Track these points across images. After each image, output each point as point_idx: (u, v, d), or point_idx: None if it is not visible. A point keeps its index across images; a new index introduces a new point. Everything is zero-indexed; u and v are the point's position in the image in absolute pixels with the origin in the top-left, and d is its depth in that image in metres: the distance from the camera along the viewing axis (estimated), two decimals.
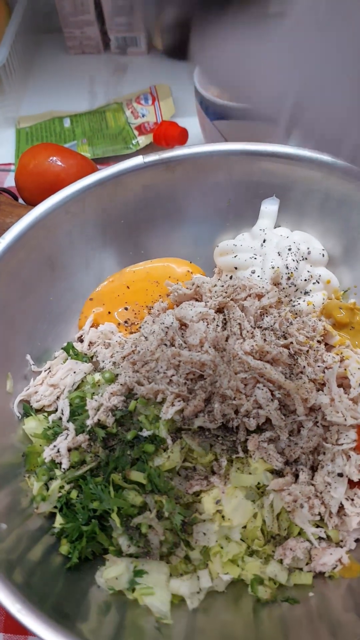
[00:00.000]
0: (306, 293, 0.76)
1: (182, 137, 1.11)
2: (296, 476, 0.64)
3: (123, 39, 1.36)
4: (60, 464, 0.64)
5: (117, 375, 0.70)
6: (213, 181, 0.81)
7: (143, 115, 1.19)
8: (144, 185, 0.80)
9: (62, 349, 0.76)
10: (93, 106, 1.25)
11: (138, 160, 0.78)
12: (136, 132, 1.17)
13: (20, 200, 1.03)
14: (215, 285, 0.74)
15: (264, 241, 0.78)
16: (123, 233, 0.82)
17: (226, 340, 0.69)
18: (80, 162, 1.01)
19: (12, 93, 1.27)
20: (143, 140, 1.15)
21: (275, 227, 0.82)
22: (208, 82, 0.95)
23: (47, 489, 0.64)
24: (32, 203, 1.00)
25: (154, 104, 1.21)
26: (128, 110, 1.21)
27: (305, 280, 0.76)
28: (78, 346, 0.77)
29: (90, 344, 0.77)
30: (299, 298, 0.76)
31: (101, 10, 1.32)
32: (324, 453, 0.63)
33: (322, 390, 0.65)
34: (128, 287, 0.81)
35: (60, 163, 0.99)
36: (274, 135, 1.01)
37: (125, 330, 0.78)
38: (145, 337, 0.71)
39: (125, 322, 0.79)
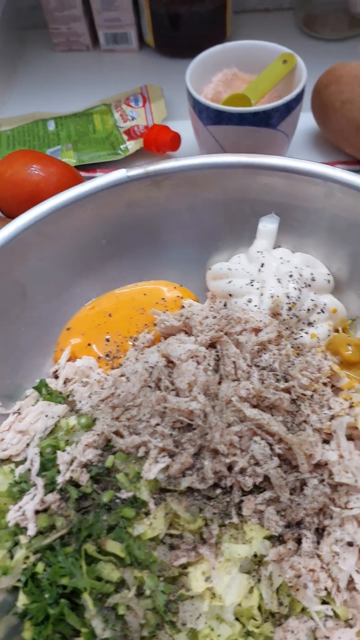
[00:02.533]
0: (310, 324, 0.68)
1: (174, 142, 1.03)
2: (298, 541, 0.56)
3: (112, 35, 1.27)
4: (26, 529, 0.56)
5: (95, 419, 0.62)
6: (205, 197, 0.73)
7: (133, 118, 1.10)
8: (127, 203, 0.71)
9: (33, 387, 0.67)
10: (79, 108, 1.16)
11: (120, 174, 0.69)
12: (125, 137, 1.08)
13: None
14: (207, 317, 0.66)
15: (262, 265, 0.69)
16: (104, 255, 0.73)
17: (219, 383, 0.60)
18: (61, 171, 0.92)
19: None
20: (132, 146, 1.06)
21: (274, 248, 0.74)
22: None
23: (12, 557, 0.55)
24: (10, 215, 0.92)
25: (144, 106, 1.12)
26: (117, 113, 1.12)
27: (309, 310, 0.67)
28: (52, 383, 0.68)
29: (67, 380, 0.69)
30: (302, 330, 0.67)
31: (89, 4, 1.23)
32: (332, 517, 0.55)
33: (329, 442, 0.57)
34: (110, 315, 0.73)
35: (39, 172, 0.90)
36: (273, 143, 0.93)
37: (107, 365, 0.70)
38: (127, 378, 0.63)
39: (107, 355, 0.71)
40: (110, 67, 1.28)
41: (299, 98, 0.89)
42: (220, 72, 1.00)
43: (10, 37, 1.30)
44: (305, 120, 1.04)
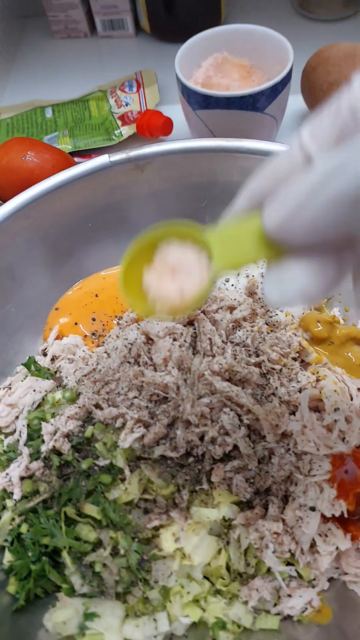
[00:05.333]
0: None
1: (166, 126, 1.04)
2: (266, 507, 0.59)
3: (109, 22, 1.29)
4: (12, 493, 0.60)
5: (79, 394, 0.66)
6: (187, 181, 0.75)
7: (127, 104, 1.12)
8: (111, 187, 0.74)
9: (22, 364, 0.71)
10: (77, 94, 1.18)
11: (104, 159, 0.72)
12: (119, 122, 1.10)
13: None
14: None
15: None
16: (91, 237, 0.77)
17: (194, 356, 0.63)
18: (56, 158, 0.95)
19: None
20: (126, 131, 1.08)
21: None
22: None
23: None
24: (6, 201, 0.95)
25: (138, 92, 1.14)
26: (112, 99, 1.14)
27: None
28: (41, 360, 0.72)
29: (55, 358, 0.72)
30: (277, 308, 0.69)
31: None
32: (296, 484, 0.58)
33: (295, 414, 0.60)
34: (97, 295, 0.76)
35: (34, 159, 0.93)
36: (261, 126, 0.95)
37: (92, 343, 0.73)
38: (108, 354, 0.66)
39: (93, 334, 0.74)
40: (108, 53, 1.30)
41: (285, 81, 0.91)
42: (211, 57, 1.01)
43: (10, 25, 1.32)
44: (296, 102, 1.05)
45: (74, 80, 1.24)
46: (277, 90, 0.90)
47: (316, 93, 0.98)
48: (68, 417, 0.62)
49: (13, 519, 0.59)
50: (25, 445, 0.63)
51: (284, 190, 0.34)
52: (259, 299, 0.68)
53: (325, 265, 0.35)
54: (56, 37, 1.35)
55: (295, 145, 0.37)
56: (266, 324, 0.68)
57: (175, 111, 1.05)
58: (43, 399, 0.68)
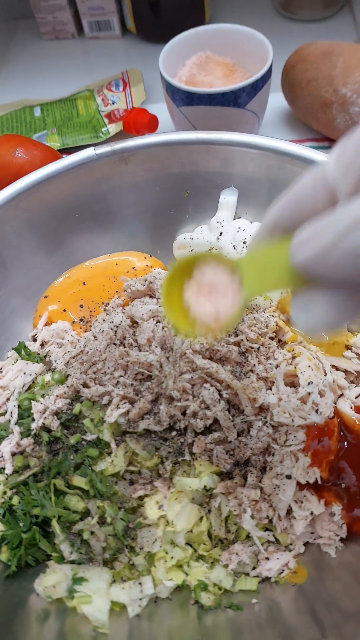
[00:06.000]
0: None
1: (151, 124, 1.08)
2: (246, 478, 0.62)
3: (96, 23, 1.33)
4: (4, 469, 0.63)
5: (67, 376, 0.69)
6: (170, 172, 0.79)
7: (113, 103, 1.16)
8: (97, 178, 0.77)
9: (13, 349, 0.74)
10: (65, 93, 1.21)
11: (89, 152, 0.75)
12: (106, 120, 1.13)
13: None
14: None
15: (220, 234, 0.75)
16: (78, 227, 0.80)
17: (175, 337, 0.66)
18: (45, 154, 0.98)
19: None
20: (113, 129, 1.12)
21: (235, 219, 0.80)
22: None
23: None
24: None
25: (124, 90, 1.18)
26: (99, 98, 1.18)
27: None
28: (31, 346, 0.75)
29: (44, 343, 0.75)
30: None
31: None
32: (273, 454, 0.61)
33: (272, 389, 0.63)
34: (84, 284, 0.79)
35: (23, 155, 0.97)
36: (243, 121, 0.98)
37: (80, 328, 0.76)
38: (95, 337, 0.69)
39: (81, 320, 0.77)
40: (95, 54, 1.34)
41: (265, 78, 0.94)
42: (194, 55, 1.05)
43: (0, 28, 1.35)
44: (277, 99, 1.09)
45: (62, 80, 1.28)
46: (258, 86, 0.94)
47: (295, 90, 1.02)
48: (57, 396, 0.65)
49: (5, 492, 0.62)
50: (16, 424, 0.66)
51: (312, 228, 0.36)
52: None
53: (348, 298, 0.37)
54: (44, 38, 1.38)
55: (318, 176, 0.38)
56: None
57: (161, 109, 1.09)
58: (33, 382, 0.71)
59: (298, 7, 1.30)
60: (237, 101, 0.94)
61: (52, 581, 0.56)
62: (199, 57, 1.05)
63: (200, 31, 1.03)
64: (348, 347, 0.68)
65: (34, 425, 0.64)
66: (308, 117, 1.03)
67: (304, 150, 0.72)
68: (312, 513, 0.59)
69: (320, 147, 1.06)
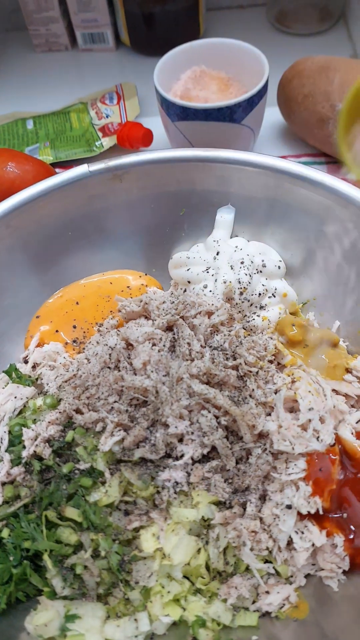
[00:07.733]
0: (262, 307, 0.72)
1: (146, 138, 1.06)
2: (244, 506, 0.60)
3: (90, 35, 1.31)
4: None
5: (60, 400, 0.67)
6: (165, 190, 0.77)
7: (107, 116, 1.14)
8: (90, 196, 0.76)
9: (3, 371, 0.72)
10: (59, 106, 1.20)
11: (83, 169, 0.74)
12: (100, 134, 1.12)
13: None
14: (164, 302, 0.70)
15: (217, 253, 0.73)
16: (71, 246, 0.78)
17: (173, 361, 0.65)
18: (37, 168, 0.96)
19: None
20: (107, 142, 1.10)
21: (232, 237, 0.78)
22: None
23: None
24: None
25: (119, 104, 1.16)
26: (92, 111, 1.16)
27: (260, 294, 0.71)
28: (23, 368, 0.73)
29: (36, 365, 0.73)
30: (254, 313, 0.71)
31: (66, 6, 1.27)
32: (273, 482, 0.59)
33: (272, 415, 0.61)
34: (77, 303, 0.77)
35: (15, 169, 0.95)
36: (239, 137, 0.97)
37: (73, 350, 0.74)
38: (88, 360, 0.67)
39: (74, 341, 0.75)
40: (88, 67, 1.32)
41: (261, 93, 0.93)
42: (189, 70, 1.04)
43: None
44: (273, 114, 1.08)
45: (55, 92, 1.26)
46: (254, 102, 0.93)
47: (291, 105, 1.01)
48: (49, 422, 0.63)
49: None
50: (6, 451, 0.64)
51: None
52: (236, 304, 0.70)
53: None
54: (37, 50, 1.37)
55: None
56: (243, 328, 0.69)
57: (155, 123, 1.07)
58: (24, 406, 0.69)
59: (293, 21, 1.29)
60: (233, 116, 0.93)
61: (43, 619, 0.54)
62: (194, 72, 1.04)
63: (195, 45, 1.02)
64: (348, 371, 0.67)
65: (24, 453, 0.62)
66: (304, 133, 1.02)
67: (302, 169, 0.70)
68: (313, 544, 0.57)
69: (316, 162, 1.05)
